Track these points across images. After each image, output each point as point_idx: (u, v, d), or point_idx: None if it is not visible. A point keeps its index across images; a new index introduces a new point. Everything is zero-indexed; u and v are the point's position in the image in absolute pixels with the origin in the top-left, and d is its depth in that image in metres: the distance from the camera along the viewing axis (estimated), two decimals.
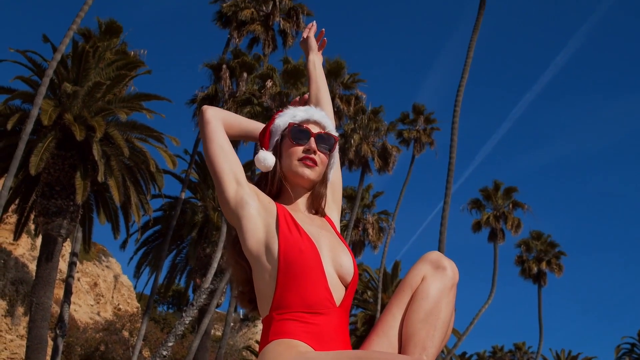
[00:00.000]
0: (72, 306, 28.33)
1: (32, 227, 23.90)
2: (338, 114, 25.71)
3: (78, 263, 28.32)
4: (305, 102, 2.72)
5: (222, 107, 24.35)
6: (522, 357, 53.24)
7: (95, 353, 28.91)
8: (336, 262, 2.16)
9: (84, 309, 32.10)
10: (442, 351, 25.63)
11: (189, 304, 22.89)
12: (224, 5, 26.89)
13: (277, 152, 2.35)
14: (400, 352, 2.07)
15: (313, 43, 2.86)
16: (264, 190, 2.32)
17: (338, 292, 2.13)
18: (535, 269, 37.80)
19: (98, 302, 34.35)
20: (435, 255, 2.17)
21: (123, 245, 26.02)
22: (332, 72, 26.41)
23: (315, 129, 2.37)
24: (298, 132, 2.34)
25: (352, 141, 28.46)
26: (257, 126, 2.48)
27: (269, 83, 24.04)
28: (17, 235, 23.07)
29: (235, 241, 2.28)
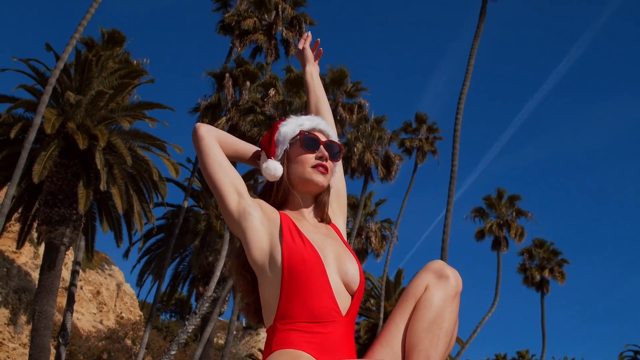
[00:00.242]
0: (74, 314, 28.32)
1: (35, 235, 23.89)
2: (340, 122, 25.73)
3: (81, 271, 28.34)
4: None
5: (225, 115, 24.44)
6: None
7: None
8: (341, 270, 2.16)
9: (86, 318, 32.07)
10: None
11: (191, 312, 22.88)
12: (226, 15, 26.95)
13: (284, 160, 2.34)
14: None
15: (309, 54, 2.86)
16: (268, 200, 2.32)
17: (344, 301, 2.13)
18: (538, 277, 37.72)
19: (101, 311, 34.32)
20: (438, 264, 2.16)
21: (126, 253, 26.08)
22: (335, 81, 26.45)
23: (322, 137, 2.38)
24: (309, 140, 2.34)
25: (355, 149, 28.49)
26: (249, 148, 2.45)
27: (271, 92, 24.06)
28: (20, 244, 23.09)
29: (240, 252, 2.28)
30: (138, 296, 37.28)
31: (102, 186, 18.87)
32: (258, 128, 23.32)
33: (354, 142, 28.86)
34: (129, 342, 30.97)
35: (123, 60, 24.18)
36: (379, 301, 34.95)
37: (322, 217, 2.37)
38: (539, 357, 39.52)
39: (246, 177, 24.77)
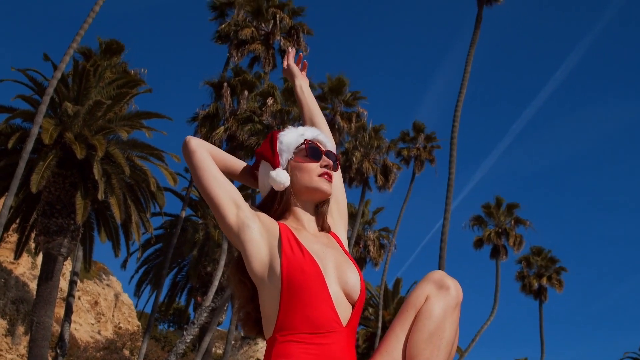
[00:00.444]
0: (72, 325, 28.22)
1: (33, 246, 23.86)
2: (339, 131, 25.75)
3: (78, 281, 28.28)
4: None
5: (223, 125, 24.45)
6: None
7: None
8: (342, 279, 2.15)
9: (84, 328, 31.97)
10: None
11: (190, 322, 22.83)
12: (222, 26, 26.98)
13: (288, 169, 2.33)
14: None
15: (295, 68, 2.87)
16: (269, 210, 2.31)
17: (344, 311, 2.12)
18: (536, 285, 37.69)
19: (99, 321, 34.22)
20: (438, 274, 2.15)
21: (124, 264, 26.02)
22: (334, 89, 26.49)
23: (322, 147, 2.39)
24: (314, 149, 2.35)
25: (354, 158, 28.53)
26: (239, 163, 2.44)
27: (269, 101, 24.09)
28: (17, 254, 23.05)
29: (239, 258, 2.27)
30: (136, 306, 37.27)
31: (100, 196, 18.86)
32: (256, 137, 23.34)
33: (352, 151, 28.90)
34: (127, 352, 30.88)
35: (121, 70, 24.23)
36: (377, 310, 34.94)
37: (323, 226, 2.37)
38: None
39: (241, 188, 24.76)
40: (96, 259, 35.95)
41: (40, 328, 19.35)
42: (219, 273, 23.00)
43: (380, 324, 33.07)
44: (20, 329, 25.94)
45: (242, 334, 51.76)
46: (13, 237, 25.56)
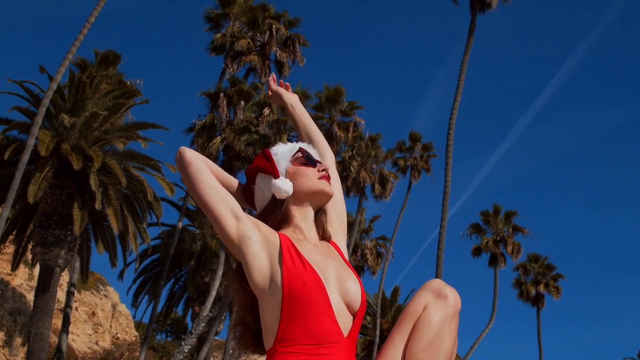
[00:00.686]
0: (70, 336, 28.14)
1: (30, 257, 23.83)
2: (336, 140, 25.79)
3: (76, 292, 28.21)
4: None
5: (219, 135, 24.46)
6: None
7: None
8: (343, 290, 2.15)
9: (82, 339, 31.88)
10: None
11: (187, 332, 22.80)
12: (217, 36, 26.99)
13: (286, 177, 2.34)
14: None
15: (280, 89, 2.90)
16: (269, 220, 2.31)
17: (345, 322, 2.11)
18: (533, 292, 37.68)
19: (96, 332, 34.11)
20: (436, 283, 2.14)
21: (121, 274, 26.02)
22: (331, 99, 26.55)
23: (315, 157, 2.44)
24: (310, 156, 2.39)
25: (351, 168, 28.54)
26: (232, 180, 2.44)
27: (266, 111, 24.13)
28: (14, 266, 23.01)
29: (239, 266, 2.25)
30: (134, 317, 37.07)
31: (97, 206, 18.86)
32: (252, 147, 23.37)
33: (349, 160, 28.92)
34: None
35: (117, 80, 24.25)
36: (375, 318, 34.90)
37: (323, 234, 2.37)
38: None
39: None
40: (93, 270, 35.84)
41: (38, 339, 19.30)
42: (217, 283, 22.97)
43: (378, 332, 33.03)
44: (18, 341, 25.86)
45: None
46: (10, 249, 25.50)
